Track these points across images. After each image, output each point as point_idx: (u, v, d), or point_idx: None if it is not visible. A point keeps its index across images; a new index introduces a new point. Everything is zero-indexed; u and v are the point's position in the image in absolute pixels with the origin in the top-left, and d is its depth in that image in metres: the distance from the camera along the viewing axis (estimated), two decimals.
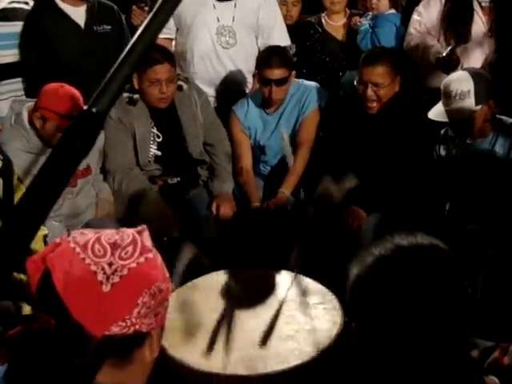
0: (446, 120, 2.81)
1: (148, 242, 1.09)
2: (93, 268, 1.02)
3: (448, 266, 1.14)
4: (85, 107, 0.79)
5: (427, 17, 3.41)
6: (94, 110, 0.77)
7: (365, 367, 1.20)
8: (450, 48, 3.20)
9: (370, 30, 3.63)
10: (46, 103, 2.72)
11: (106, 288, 1.02)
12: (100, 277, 1.02)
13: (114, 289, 1.02)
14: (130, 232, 1.09)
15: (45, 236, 2.62)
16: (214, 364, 1.94)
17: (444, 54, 3.19)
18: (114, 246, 1.05)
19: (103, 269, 1.02)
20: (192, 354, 1.99)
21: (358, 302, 1.16)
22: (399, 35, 3.60)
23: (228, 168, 3.36)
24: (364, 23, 3.67)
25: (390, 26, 3.62)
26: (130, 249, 1.05)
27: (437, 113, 2.83)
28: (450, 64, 3.17)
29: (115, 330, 1.02)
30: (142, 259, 1.05)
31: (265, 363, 1.94)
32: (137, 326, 1.04)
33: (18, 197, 2.63)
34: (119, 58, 0.79)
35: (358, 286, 1.16)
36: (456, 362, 1.13)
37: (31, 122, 2.79)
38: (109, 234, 1.08)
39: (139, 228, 1.11)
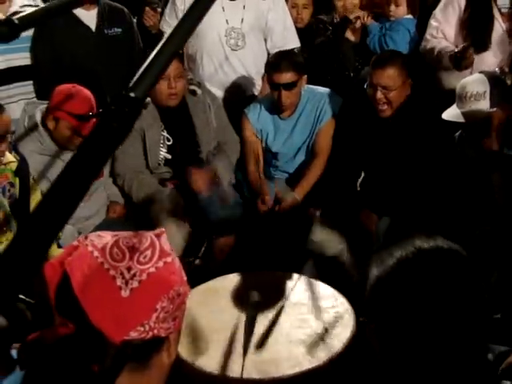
0: (459, 120, 2.80)
1: (166, 246, 1.07)
2: (111, 273, 1.01)
3: (467, 271, 1.15)
4: (123, 92, 0.75)
5: (445, 23, 3.35)
6: (132, 94, 0.74)
7: (382, 369, 1.19)
8: (463, 45, 3.15)
9: (380, 31, 3.61)
10: (58, 104, 2.73)
11: (124, 293, 1.00)
12: (119, 282, 1.01)
13: (133, 294, 1.01)
14: (148, 235, 1.07)
15: (57, 238, 2.63)
16: (227, 368, 1.94)
17: (457, 50, 3.15)
18: (133, 249, 1.04)
19: (122, 273, 1.01)
20: (204, 358, 1.99)
21: (379, 304, 1.16)
22: (412, 40, 3.58)
23: (231, 157, 3.32)
24: (374, 25, 3.66)
25: (402, 30, 3.59)
26: (148, 253, 1.04)
27: (451, 114, 2.82)
28: (463, 60, 3.13)
29: (134, 335, 1.01)
30: (160, 263, 1.04)
31: (277, 367, 1.94)
32: (155, 331, 1.03)
33: (33, 197, 2.65)
34: (158, 45, 0.76)
35: (380, 288, 1.16)
36: (474, 366, 1.13)
37: (45, 125, 2.81)
38: (127, 238, 1.06)
39: (157, 231, 1.09)
